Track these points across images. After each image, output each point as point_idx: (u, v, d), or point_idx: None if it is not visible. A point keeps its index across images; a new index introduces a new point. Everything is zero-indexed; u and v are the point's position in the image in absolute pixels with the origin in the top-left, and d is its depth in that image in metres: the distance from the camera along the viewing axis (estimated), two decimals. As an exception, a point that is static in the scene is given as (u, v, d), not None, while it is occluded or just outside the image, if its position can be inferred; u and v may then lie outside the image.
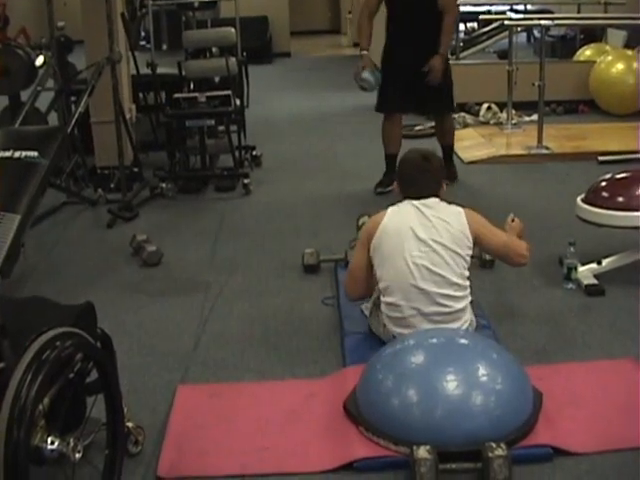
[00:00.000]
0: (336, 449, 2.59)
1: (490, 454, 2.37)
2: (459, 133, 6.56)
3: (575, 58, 9.08)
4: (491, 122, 7.59)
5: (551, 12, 10.19)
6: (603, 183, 3.91)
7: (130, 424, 2.57)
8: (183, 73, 6.03)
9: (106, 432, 2.32)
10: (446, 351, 2.74)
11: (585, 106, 8.11)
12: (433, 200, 3.18)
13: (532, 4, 11.36)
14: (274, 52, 13.96)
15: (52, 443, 2.03)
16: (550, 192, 5.49)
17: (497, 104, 7.61)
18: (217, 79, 6.23)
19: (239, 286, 4.06)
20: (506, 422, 2.54)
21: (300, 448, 2.62)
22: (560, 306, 3.68)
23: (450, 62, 5.63)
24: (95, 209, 5.41)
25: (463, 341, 2.84)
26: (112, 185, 5.66)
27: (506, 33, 7.75)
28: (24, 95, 5.86)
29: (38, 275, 4.27)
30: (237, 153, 6.01)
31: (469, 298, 3.13)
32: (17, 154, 3.85)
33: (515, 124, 7.34)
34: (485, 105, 7.66)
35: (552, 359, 3.18)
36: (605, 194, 3.83)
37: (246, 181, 5.71)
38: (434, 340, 2.83)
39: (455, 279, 3.06)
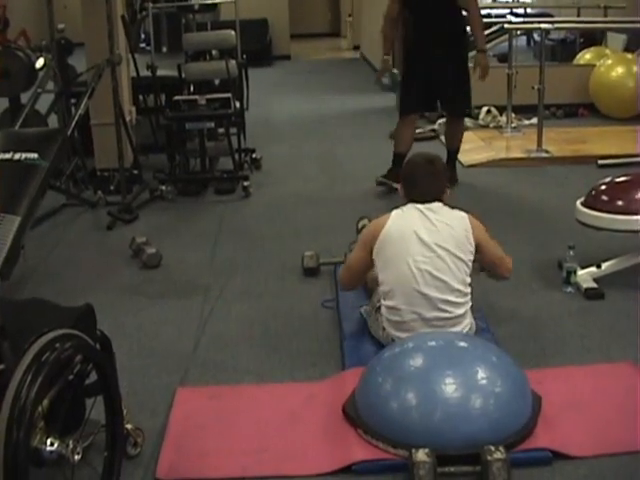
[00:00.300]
0: (335, 452, 2.59)
1: (489, 457, 2.37)
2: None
3: (575, 62, 9.07)
4: (491, 125, 7.59)
5: (551, 16, 10.21)
6: (603, 187, 3.91)
7: (129, 426, 2.56)
8: (183, 75, 6.04)
9: (105, 434, 2.32)
10: (445, 354, 2.74)
11: (585, 109, 8.10)
12: (437, 204, 3.19)
13: (532, 8, 11.37)
14: (274, 55, 13.99)
15: (51, 445, 2.03)
16: (550, 195, 5.48)
17: (497, 107, 7.62)
18: (217, 82, 6.26)
19: (238, 288, 4.06)
20: (505, 425, 2.53)
21: (299, 450, 2.62)
22: (559, 309, 3.68)
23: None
24: (95, 211, 5.40)
25: (462, 344, 2.84)
26: (112, 187, 5.66)
27: (506, 36, 7.74)
28: (24, 97, 5.86)
29: (38, 277, 4.27)
30: (237, 156, 6.01)
31: (470, 304, 3.13)
32: (17, 156, 3.84)
33: (515, 127, 7.35)
34: (485, 108, 7.66)
35: (551, 362, 3.18)
36: (605, 198, 3.83)
37: (246, 184, 5.72)
38: (433, 343, 2.84)
39: (457, 285, 3.06)
